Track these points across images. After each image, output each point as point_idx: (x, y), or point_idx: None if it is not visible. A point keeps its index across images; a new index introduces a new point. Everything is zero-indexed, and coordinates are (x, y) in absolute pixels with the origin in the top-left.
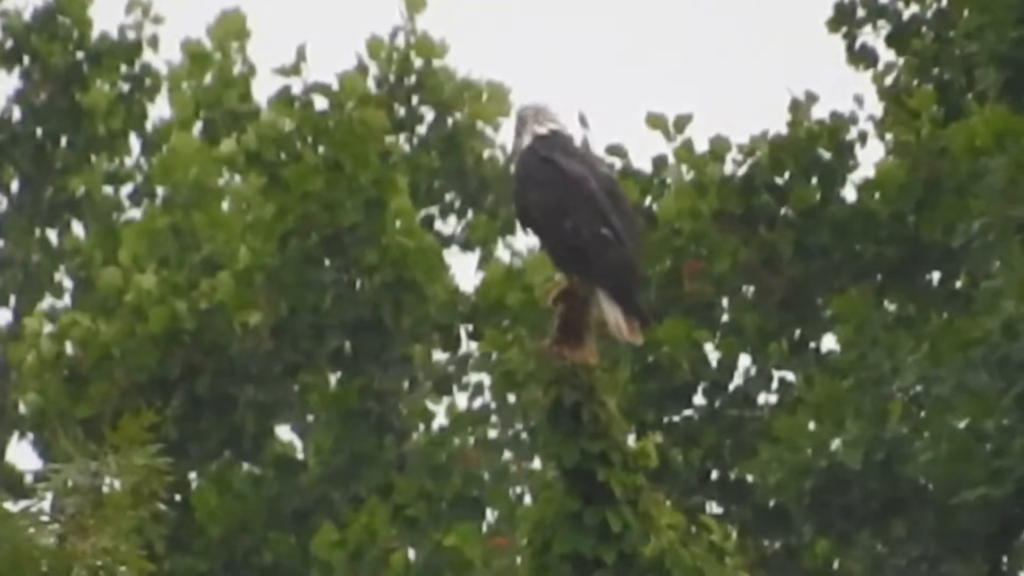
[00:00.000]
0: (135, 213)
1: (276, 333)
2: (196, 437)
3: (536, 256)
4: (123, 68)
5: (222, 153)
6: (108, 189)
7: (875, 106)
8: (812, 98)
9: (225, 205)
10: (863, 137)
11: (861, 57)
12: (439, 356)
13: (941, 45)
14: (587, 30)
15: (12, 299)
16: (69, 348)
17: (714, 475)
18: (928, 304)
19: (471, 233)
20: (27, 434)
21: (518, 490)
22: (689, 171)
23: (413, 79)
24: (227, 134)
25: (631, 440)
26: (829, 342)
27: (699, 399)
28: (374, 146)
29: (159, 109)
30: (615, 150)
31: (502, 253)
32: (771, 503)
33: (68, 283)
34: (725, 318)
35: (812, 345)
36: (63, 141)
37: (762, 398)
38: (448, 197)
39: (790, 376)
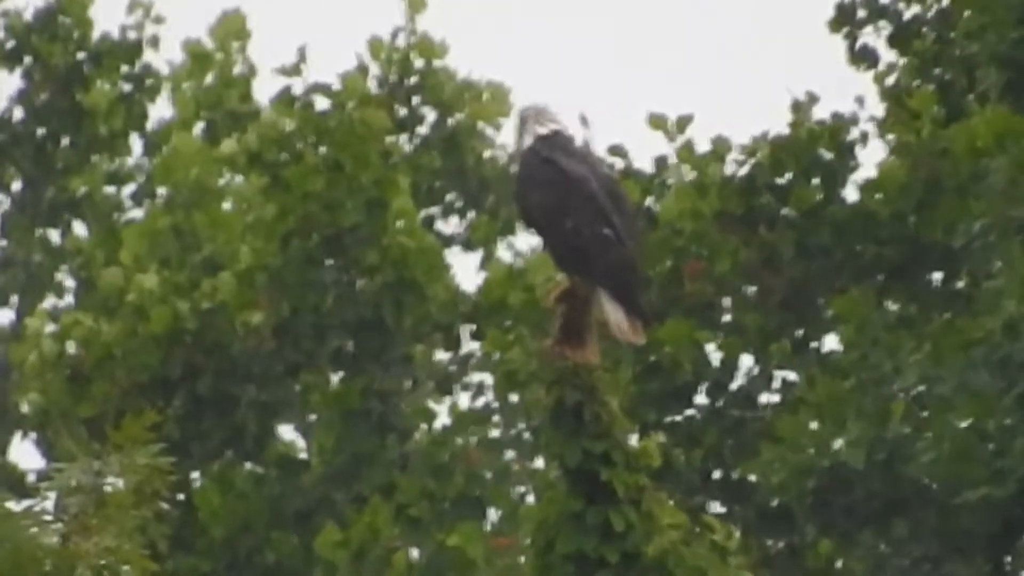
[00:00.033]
0: (136, 213)
1: (278, 333)
2: (198, 437)
3: (537, 256)
4: (124, 68)
5: (223, 153)
6: (109, 189)
7: (876, 106)
8: (813, 98)
9: (226, 205)
10: (864, 137)
11: (862, 57)
12: (441, 356)
13: (942, 46)
14: (588, 30)
15: (14, 299)
16: (71, 348)
17: (716, 475)
18: (929, 304)
19: (472, 233)
20: (29, 434)
21: (520, 490)
22: (690, 171)
23: (414, 79)
24: (228, 134)
25: (633, 440)
26: (831, 342)
27: (701, 399)
28: (375, 146)
29: (160, 109)
30: (616, 150)
31: (503, 253)
32: (773, 503)
33: (70, 283)
34: (726, 318)
35: (814, 345)
36: (64, 141)
37: (764, 398)
38: (449, 197)
39: (792, 376)
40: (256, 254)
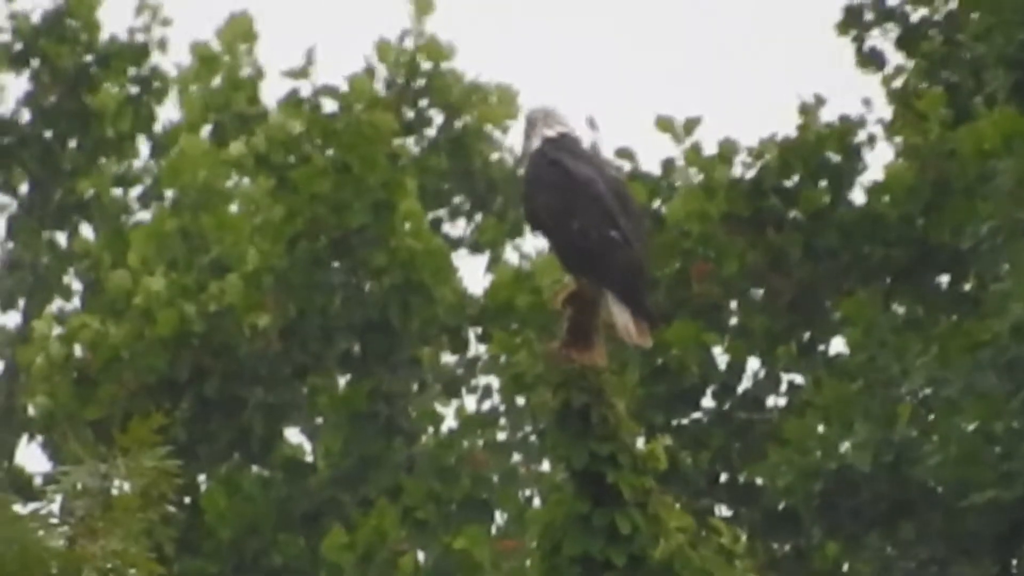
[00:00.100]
0: (144, 215)
1: (285, 335)
2: (205, 439)
3: (544, 258)
4: (132, 70)
5: (231, 155)
6: (117, 191)
7: (884, 109)
8: (821, 101)
9: (234, 207)
10: (872, 140)
11: (870, 60)
12: (448, 358)
13: (950, 48)
14: (597, 33)
15: (21, 301)
16: (78, 350)
17: (723, 478)
18: (937, 306)
19: (479, 235)
20: (36, 436)
21: (527, 492)
22: (698, 174)
23: (421, 82)
24: (236, 136)
25: (640, 442)
26: (838, 345)
27: (708, 401)
28: (382, 148)
29: (168, 111)
30: (624, 152)
31: (510, 255)
32: (780, 505)
33: (77, 285)
34: (733, 320)
35: (821, 348)
36: (72, 143)
37: (771, 400)
38: (456, 199)
39: (799, 379)
40: (263, 256)
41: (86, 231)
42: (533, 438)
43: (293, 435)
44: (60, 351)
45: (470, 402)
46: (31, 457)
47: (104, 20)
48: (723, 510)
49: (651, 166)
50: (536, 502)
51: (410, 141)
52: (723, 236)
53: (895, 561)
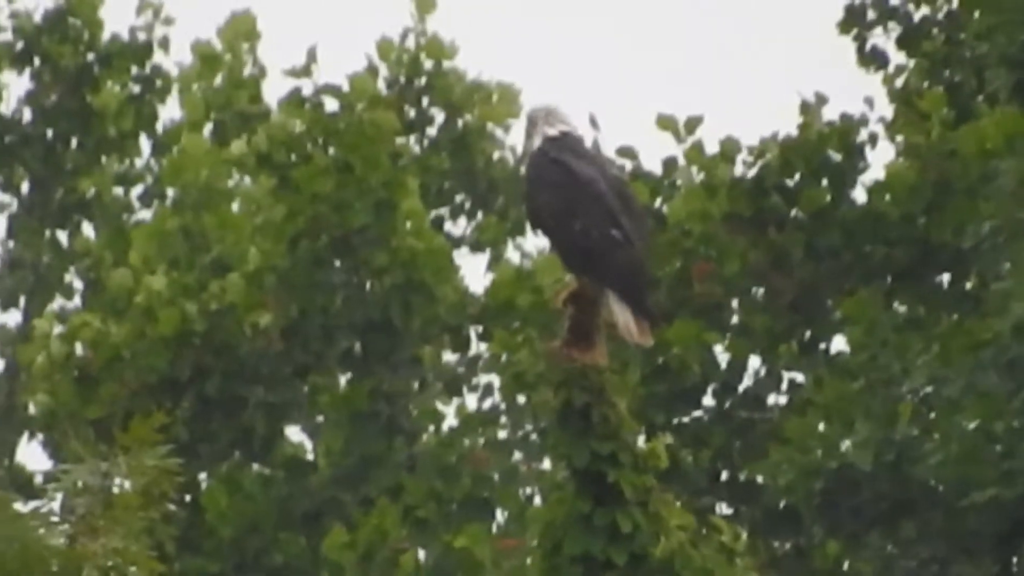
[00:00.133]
0: (145, 214)
1: (286, 334)
2: (206, 438)
3: (546, 257)
4: (133, 69)
5: (232, 154)
6: (118, 190)
7: (885, 108)
8: (822, 100)
9: (235, 206)
10: (873, 139)
11: (871, 59)
12: (449, 357)
13: (951, 47)
14: (598, 32)
15: (22, 300)
16: (79, 349)
17: (724, 476)
18: (938, 306)
19: (481, 234)
20: (37, 435)
21: (528, 491)
22: (699, 173)
23: (423, 81)
24: (237, 135)
25: (641, 441)
26: (839, 343)
27: (709, 400)
28: (384, 147)
29: (169, 110)
30: (625, 151)
31: (512, 254)
32: (781, 504)
33: (78, 284)
34: (735, 319)
35: (822, 346)
36: (73, 142)
37: (772, 399)
38: (458, 198)
39: (800, 377)
40: (265, 255)
41: (87, 230)
42: (534, 437)
43: (294, 434)
44: (61, 350)
45: (471, 401)
46: (32, 455)
47: (106, 19)
48: (724, 508)
49: (652, 165)
50: (537, 501)
51: (412, 140)
52: (724, 235)
53: (896, 560)
